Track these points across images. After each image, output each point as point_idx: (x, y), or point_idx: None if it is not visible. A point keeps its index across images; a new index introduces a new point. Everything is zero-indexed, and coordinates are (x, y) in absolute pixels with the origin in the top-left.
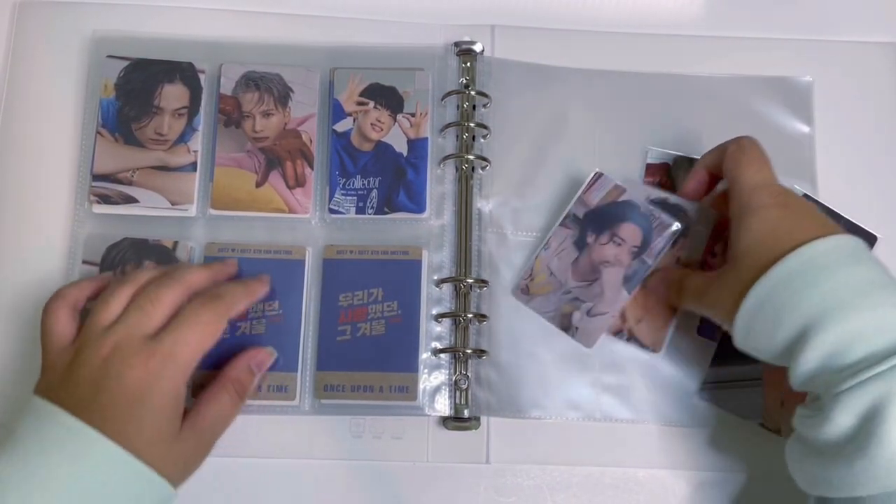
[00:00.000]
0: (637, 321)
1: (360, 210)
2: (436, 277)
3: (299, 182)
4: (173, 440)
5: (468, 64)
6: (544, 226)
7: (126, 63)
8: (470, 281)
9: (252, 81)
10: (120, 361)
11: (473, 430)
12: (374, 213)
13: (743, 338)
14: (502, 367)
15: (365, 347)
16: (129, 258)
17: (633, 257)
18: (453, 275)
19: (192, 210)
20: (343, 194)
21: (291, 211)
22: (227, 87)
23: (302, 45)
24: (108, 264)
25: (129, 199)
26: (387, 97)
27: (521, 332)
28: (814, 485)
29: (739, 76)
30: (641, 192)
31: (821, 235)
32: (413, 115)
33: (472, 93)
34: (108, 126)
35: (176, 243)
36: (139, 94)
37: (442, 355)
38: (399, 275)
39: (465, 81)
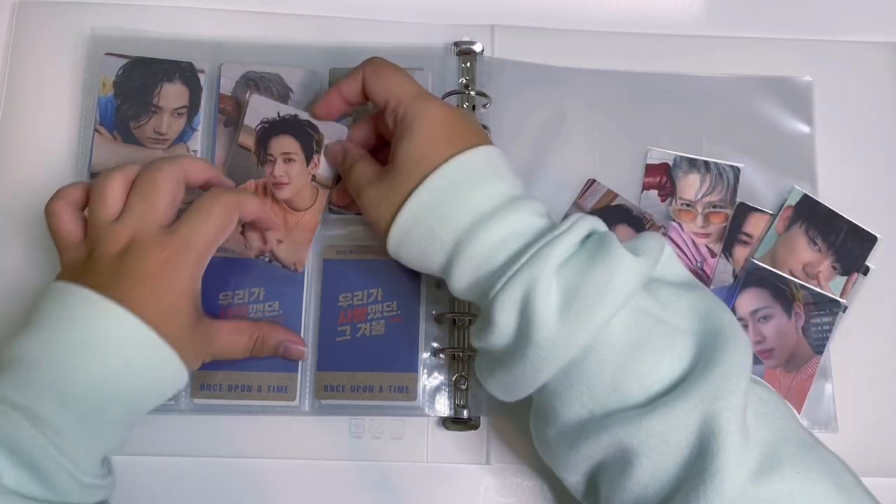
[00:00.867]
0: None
1: None
2: None
3: None
4: (191, 326)
5: (468, 64)
6: None
7: (125, 61)
8: None
9: (252, 81)
10: (139, 250)
11: (473, 431)
12: None
13: (395, 245)
14: None
15: (365, 347)
16: None
17: None
18: None
19: None
20: None
21: None
22: (226, 87)
23: (301, 45)
24: None
25: None
26: None
27: None
28: (509, 392)
29: (739, 76)
30: (271, 108)
31: (473, 144)
32: None
33: (472, 93)
34: (106, 124)
35: None
36: (138, 93)
37: (441, 355)
38: (399, 275)
39: (464, 81)
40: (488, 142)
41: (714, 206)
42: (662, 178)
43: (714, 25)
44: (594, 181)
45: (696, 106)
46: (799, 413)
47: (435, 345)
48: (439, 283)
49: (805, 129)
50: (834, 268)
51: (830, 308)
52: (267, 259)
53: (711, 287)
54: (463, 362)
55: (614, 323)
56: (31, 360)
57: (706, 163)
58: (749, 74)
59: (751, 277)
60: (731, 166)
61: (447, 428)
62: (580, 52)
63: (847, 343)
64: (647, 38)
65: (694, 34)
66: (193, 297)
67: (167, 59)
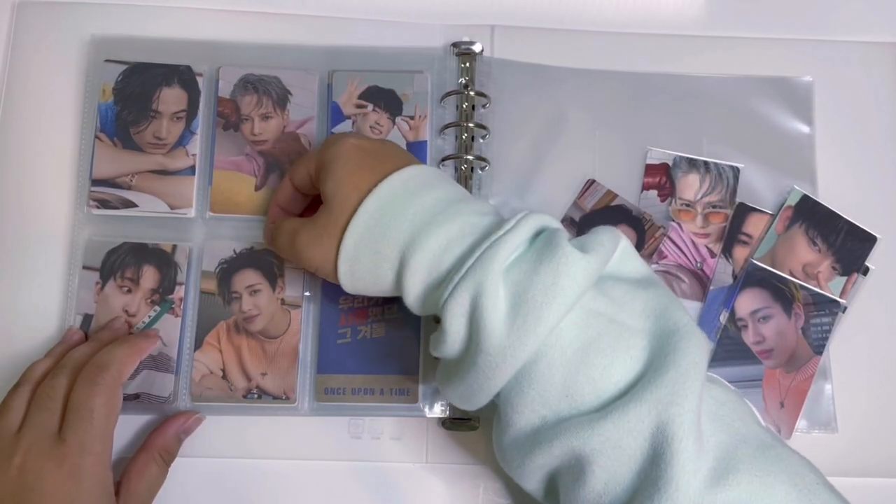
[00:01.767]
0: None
1: None
2: None
3: None
4: None
5: (467, 64)
6: None
7: (124, 67)
8: None
9: (250, 84)
10: (35, 470)
11: (473, 431)
12: None
13: (348, 277)
14: None
15: (365, 350)
16: (128, 263)
17: None
18: None
19: (192, 213)
20: None
21: None
22: (225, 90)
23: (300, 47)
24: (108, 269)
25: (128, 204)
26: (386, 100)
27: None
28: (466, 401)
29: (739, 76)
30: (227, 248)
31: (400, 167)
32: (412, 117)
33: (472, 93)
34: (106, 131)
35: (175, 247)
36: (137, 99)
37: None
38: None
39: (464, 82)
40: (417, 163)
41: (714, 207)
42: (662, 178)
43: (714, 25)
44: (594, 181)
45: (696, 106)
46: (799, 413)
47: None
48: None
49: (805, 129)
50: (834, 268)
51: (830, 308)
52: (256, 395)
53: (711, 287)
54: None
55: (564, 325)
56: None
57: (706, 163)
58: (749, 74)
59: (750, 278)
60: (731, 166)
61: (447, 428)
62: (580, 52)
63: (847, 343)
64: (646, 38)
65: (694, 34)
66: (103, 495)
67: (166, 63)
